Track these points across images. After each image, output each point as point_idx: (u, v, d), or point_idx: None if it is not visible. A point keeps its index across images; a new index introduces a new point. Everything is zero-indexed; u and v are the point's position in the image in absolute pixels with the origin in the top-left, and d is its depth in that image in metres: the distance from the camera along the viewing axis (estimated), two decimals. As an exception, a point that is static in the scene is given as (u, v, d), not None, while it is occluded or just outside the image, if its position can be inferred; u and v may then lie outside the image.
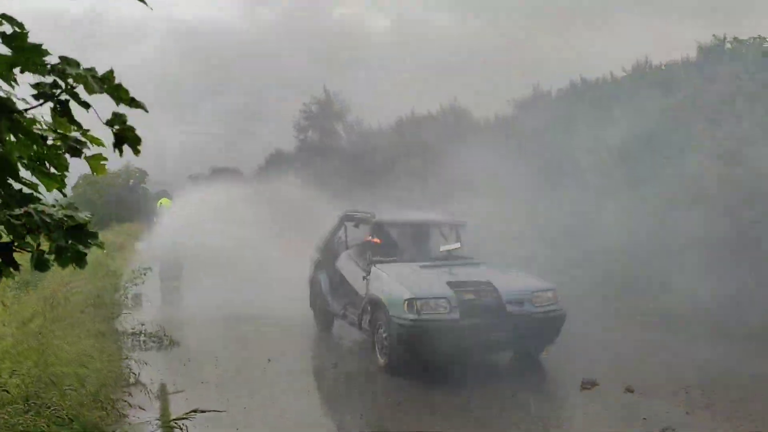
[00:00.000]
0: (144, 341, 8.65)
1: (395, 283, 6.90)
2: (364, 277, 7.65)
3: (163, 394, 6.31)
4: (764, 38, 12.41)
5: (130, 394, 6.00)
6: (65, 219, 2.25)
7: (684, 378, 6.50)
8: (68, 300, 7.47)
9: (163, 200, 10.74)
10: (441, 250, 7.86)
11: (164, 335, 8.51)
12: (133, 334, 8.87)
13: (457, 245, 7.72)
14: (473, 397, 6.06)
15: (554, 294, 6.96)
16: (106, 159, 2.76)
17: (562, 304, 7.01)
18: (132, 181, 60.58)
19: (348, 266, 8.44)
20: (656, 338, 7.78)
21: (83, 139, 2.65)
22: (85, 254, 2.31)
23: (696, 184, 9.10)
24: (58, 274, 8.20)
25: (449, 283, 6.77)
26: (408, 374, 6.71)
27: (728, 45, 13.42)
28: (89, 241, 2.28)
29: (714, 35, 13.78)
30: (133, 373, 6.50)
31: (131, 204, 58.96)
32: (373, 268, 7.48)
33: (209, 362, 7.67)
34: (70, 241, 2.24)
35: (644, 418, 5.38)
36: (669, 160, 10.65)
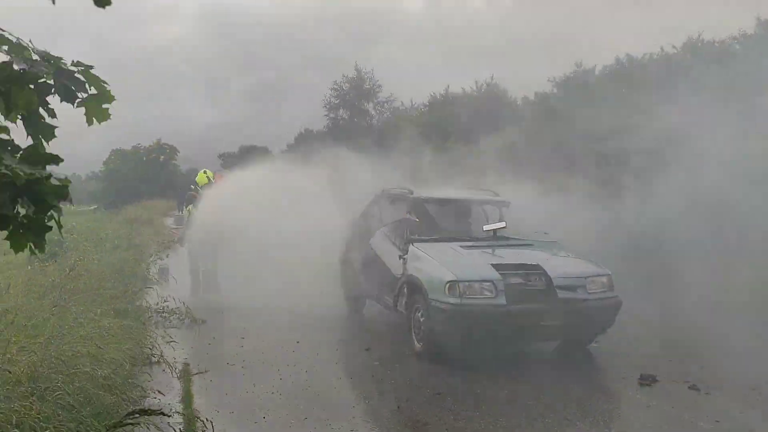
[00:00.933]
0: (167, 317, 8.31)
1: (436, 263, 6.38)
2: (400, 257, 7.14)
3: (185, 376, 5.92)
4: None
5: (149, 376, 5.63)
6: (23, 173, 1.60)
7: (752, 374, 5.89)
8: (89, 272, 7.11)
9: (201, 174, 10.30)
10: (484, 229, 7.29)
11: (187, 312, 8.14)
12: (156, 310, 8.55)
13: (503, 224, 7.14)
14: (520, 389, 5.54)
15: (609, 280, 6.37)
16: (110, 99, 2.25)
17: (617, 291, 6.42)
18: (163, 157, 60.86)
19: (383, 245, 7.94)
20: (718, 330, 7.12)
21: (80, 77, 2.15)
22: (48, 227, 1.68)
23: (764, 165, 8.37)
24: (82, 246, 7.87)
25: (495, 266, 6.22)
26: (446, 361, 6.22)
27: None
28: (54, 204, 1.65)
29: (777, 8, 12.85)
30: (154, 355, 6.12)
31: (162, 180, 59.24)
32: (411, 247, 6.96)
33: (235, 342, 7.28)
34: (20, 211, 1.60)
35: (717, 421, 4.80)
36: (732, 140, 9.88)
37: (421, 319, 6.46)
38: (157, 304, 8.63)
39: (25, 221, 1.65)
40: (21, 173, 1.57)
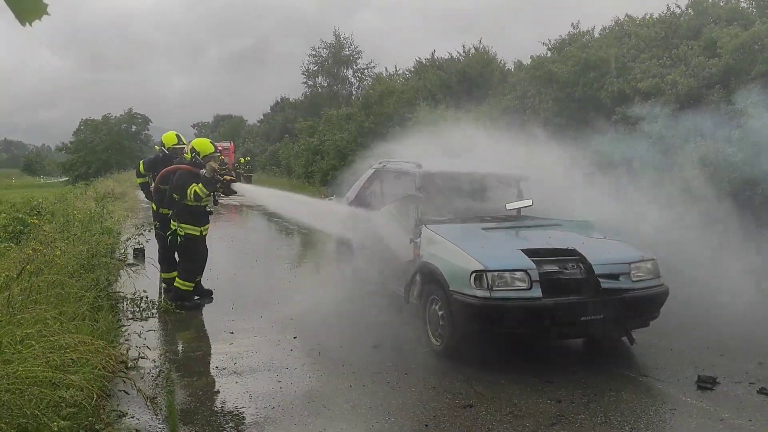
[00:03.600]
0: (144, 309, 7.39)
1: (457, 249, 5.52)
2: (411, 240, 6.27)
3: (167, 387, 5.03)
4: None
5: (125, 388, 4.74)
6: None
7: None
8: (52, 262, 6.12)
9: (171, 134, 8.54)
10: (508, 208, 6.43)
11: (165, 304, 7.26)
12: (132, 300, 7.62)
13: (529, 202, 6.28)
14: (562, 396, 4.76)
15: (654, 265, 5.57)
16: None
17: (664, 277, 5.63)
18: (135, 127, 59.15)
19: (387, 225, 7.05)
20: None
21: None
22: None
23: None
24: (42, 231, 6.85)
25: (525, 251, 5.38)
26: (470, 361, 5.42)
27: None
28: None
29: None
30: (129, 360, 5.22)
31: (133, 151, 57.67)
32: (424, 230, 6.10)
33: (223, 339, 6.41)
34: None
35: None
36: (754, 105, 9.10)
37: (440, 313, 5.63)
38: (134, 294, 7.71)
39: None
40: None
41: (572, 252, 5.45)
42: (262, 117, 66.18)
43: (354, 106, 27.19)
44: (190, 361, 5.80)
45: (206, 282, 8.70)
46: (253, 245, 13.63)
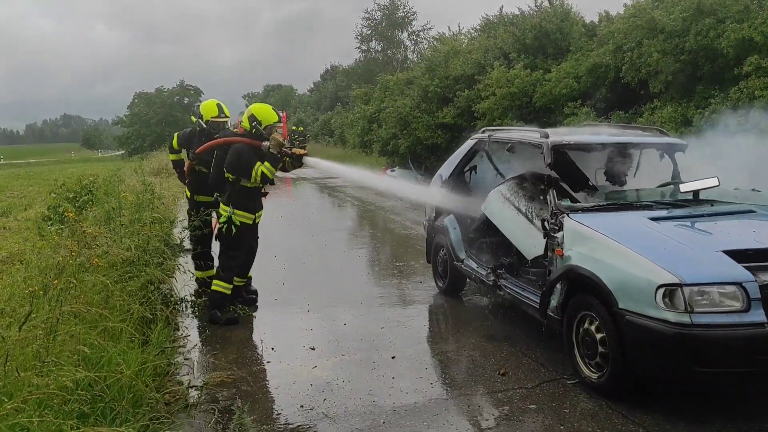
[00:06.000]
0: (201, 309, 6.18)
1: (626, 250, 3.98)
2: (547, 234, 4.76)
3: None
4: None
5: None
6: None
7: None
8: (90, 266, 4.87)
9: (210, 103, 6.79)
10: (683, 190, 4.82)
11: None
12: (190, 301, 6.43)
13: (714, 181, 4.65)
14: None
15: None
16: None
17: None
18: (187, 99, 58.88)
19: (503, 211, 5.55)
20: None
21: None
22: None
23: None
24: (80, 227, 5.63)
25: (730, 254, 3.81)
26: (645, 403, 3.96)
27: None
28: None
29: None
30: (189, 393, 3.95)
31: (186, 123, 57.29)
32: (567, 221, 4.57)
33: (302, 350, 5.09)
34: None
35: None
36: None
37: (598, 337, 4.14)
38: (192, 293, 6.51)
39: None
40: None
41: (796, 254, 3.85)
42: (312, 86, 65.05)
43: (414, 70, 25.42)
44: (265, 394, 4.48)
45: (268, 274, 7.40)
46: (318, 225, 12.34)
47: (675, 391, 4.14)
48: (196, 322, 6.07)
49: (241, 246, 6.15)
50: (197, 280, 6.83)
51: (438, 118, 20.02)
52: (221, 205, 6.11)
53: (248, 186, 6.01)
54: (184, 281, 6.47)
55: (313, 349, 5.29)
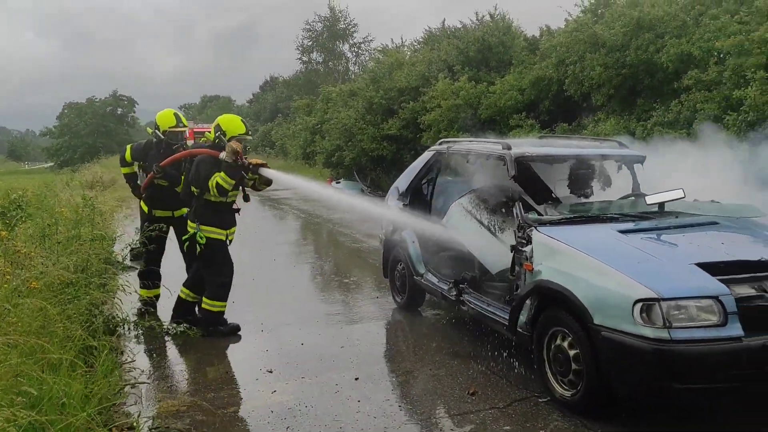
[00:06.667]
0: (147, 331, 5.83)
1: (600, 264, 3.90)
2: (516, 249, 4.65)
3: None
4: None
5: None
6: None
7: None
8: (26, 289, 4.45)
9: (167, 113, 6.52)
10: (649, 202, 4.80)
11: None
12: (135, 323, 6.03)
13: (679, 193, 4.65)
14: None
15: None
16: None
17: None
18: (120, 110, 57.12)
19: (465, 224, 5.44)
20: None
21: None
22: None
23: None
24: (13, 246, 5.17)
25: (703, 267, 3.78)
26: (620, 419, 3.89)
27: None
28: None
29: None
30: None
31: (119, 134, 55.76)
32: (535, 234, 4.47)
33: (259, 373, 4.80)
34: None
35: None
36: None
37: (571, 353, 4.04)
38: (135, 314, 6.12)
39: None
40: None
41: (765, 265, 3.85)
42: (251, 96, 64.23)
43: (358, 82, 25.32)
44: (223, 424, 4.17)
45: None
46: (265, 239, 11.97)
47: (649, 407, 4.07)
48: (142, 346, 5.68)
49: (216, 262, 5.87)
50: (141, 299, 6.46)
51: (383, 130, 19.94)
52: (188, 221, 5.87)
53: (213, 200, 5.74)
54: (132, 302, 6.06)
55: (271, 371, 5.01)
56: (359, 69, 40.46)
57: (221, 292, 5.86)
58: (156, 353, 5.48)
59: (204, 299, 5.91)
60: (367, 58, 40.55)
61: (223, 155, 5.63)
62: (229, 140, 5.70)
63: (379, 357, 5.40)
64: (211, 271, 5.85)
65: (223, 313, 5.93)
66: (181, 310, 6.09)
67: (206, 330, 5.87)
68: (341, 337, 5.85)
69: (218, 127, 5.81)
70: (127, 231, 9.93)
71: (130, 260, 7.72)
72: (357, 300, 7.22)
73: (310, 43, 42.84)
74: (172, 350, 5.57)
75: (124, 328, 5.91)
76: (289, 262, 9.55)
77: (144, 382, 4.74)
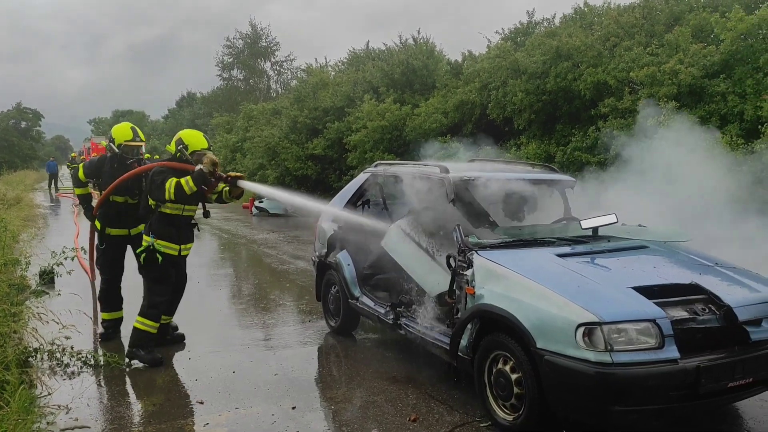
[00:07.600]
0: (69, 363, 5.45)
1: (541, 288, 3.94)
2: (456, 272, 4.65)
3: None
4: None
5: None
6: None
7: None
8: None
9: (124, 126, 6.42)
10: (584, 226, 4.92)
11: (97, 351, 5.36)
12: (49, 352, 5.61)
13: (612, 218, 4.80)
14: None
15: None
16: None
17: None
18: (25, 123, 54.13)
19: (404, 247, 5.41)
20: None
21: None
22: None
23: None
24: None
25: (638, 290, 3.90)
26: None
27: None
28: None
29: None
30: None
31: (23, 149, 52.80)
32: (476, 258, 4.48)
33: (191, 404, 4.55)
34: None
35: None
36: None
37: (513, 377, 4.05)
38: (51, 343, 5.68)
39: None
40: None
41: (696, 288, 4.02)
42: (167, 112, 62.56)
43: (282, 100, 25.09)
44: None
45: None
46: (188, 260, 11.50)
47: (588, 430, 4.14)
48: (58, 378, 5.28)
49: (167, 280, 5.71)
50: (103, 323, 6.37)
51: (308, 149, 19.82)
52: (144, 235, 5.67)
53: (170, 213, 5.61)
54: (53, 332, 5.63)
55: (202, 403, 4.77)
56: (281, 87, 40.17)
57: (152, 311, 5.67)
58: (74, 386, 5.10)
59: (137, 317, 5.70)
60: (289, 76, 40.35)
61: (200, 167, 5.51)
62: (191, 154, 5.68)
63: (315, 384, 5.25)
64: (157, 289, 5.69)
65: (151, 335, 5.67)
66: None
67: (129, 351, 5.65)
68: (274, 363, 5.67)
69: (180, 141, 5.74)
70: (35, 252, 9.35)
71: (39, 283, 7.24)
72: (288, 324, 7.05)
73: (231, 59, 42.18)
74: (93, 382, 5.21)
75: (36, 358, 5.49)
76: (214, 285, 9.23)
77: (61, 420, 4.39)
